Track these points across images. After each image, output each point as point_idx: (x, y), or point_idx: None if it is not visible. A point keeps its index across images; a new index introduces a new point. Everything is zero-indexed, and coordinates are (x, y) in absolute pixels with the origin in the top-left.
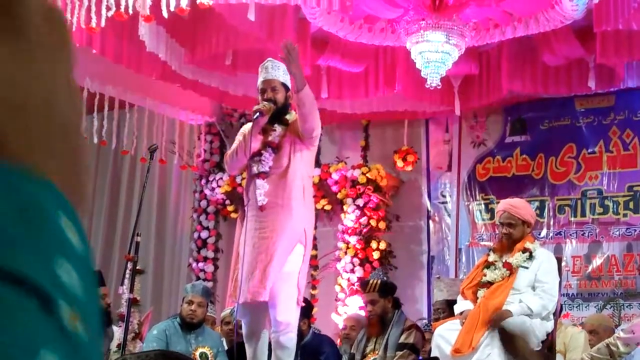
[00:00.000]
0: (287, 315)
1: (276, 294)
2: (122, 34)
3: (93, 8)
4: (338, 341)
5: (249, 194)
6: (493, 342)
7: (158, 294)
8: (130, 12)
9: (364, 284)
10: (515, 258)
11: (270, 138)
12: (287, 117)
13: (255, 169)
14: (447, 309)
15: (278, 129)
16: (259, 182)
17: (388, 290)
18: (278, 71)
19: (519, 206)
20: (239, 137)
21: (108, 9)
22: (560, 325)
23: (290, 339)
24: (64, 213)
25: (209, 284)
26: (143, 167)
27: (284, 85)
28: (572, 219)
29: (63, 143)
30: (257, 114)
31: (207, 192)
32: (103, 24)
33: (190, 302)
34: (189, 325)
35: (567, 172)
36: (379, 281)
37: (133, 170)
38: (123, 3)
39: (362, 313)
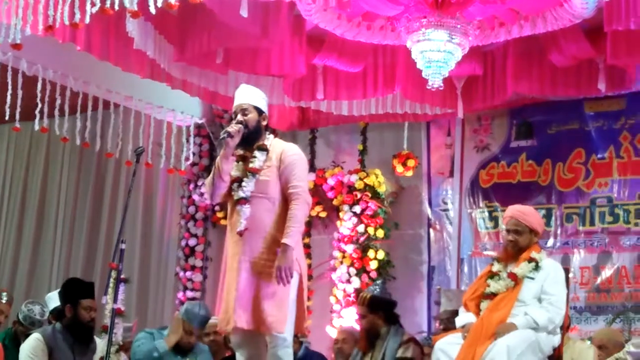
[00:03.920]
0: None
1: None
2: (108, 29)
3: (77, 3)
4: (332, 355)
5: (231, 221)
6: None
7: (143, 305)
8: (117, 7)
9: (357, 295)
10: (521, 268)
11: (251, 165)
12: (266, 142)
13: (235, 196)
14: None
15: (258, 155)
16: (238, 207)
17: (379, 305)
18: (250, 95)
19: (528, 213)
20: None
21: (93, 4)
22: (568, 339)
23: (288, 353)
24: None
25: (197, 294)
26: (128, 171)
27: (257, 108)
28: (581, 228)
29: None
30: (225, 134)
31: (195, 197)
32: (87, 20)
33: (190, 333)
34: (182, 349)
35: (575, 178)
36: (368, 296)
37: (118, 174)
38: None
39: (356, 325)
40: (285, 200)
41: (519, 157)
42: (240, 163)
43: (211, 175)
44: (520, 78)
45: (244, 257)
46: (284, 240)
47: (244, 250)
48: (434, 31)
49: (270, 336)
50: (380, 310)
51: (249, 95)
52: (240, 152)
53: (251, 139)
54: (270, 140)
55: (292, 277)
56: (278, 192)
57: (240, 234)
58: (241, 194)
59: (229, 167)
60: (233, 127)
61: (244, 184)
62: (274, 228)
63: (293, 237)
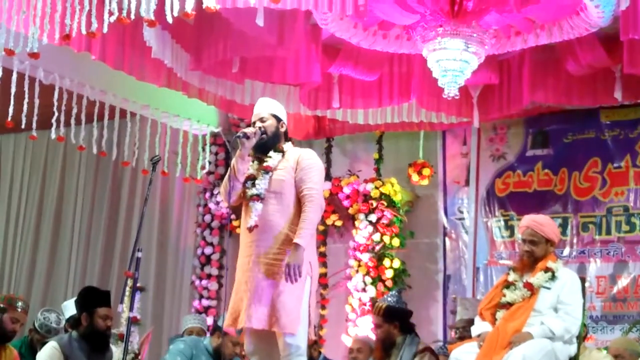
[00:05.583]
0: (297, 338)
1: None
2: (123, 39)
3: (94, 12)
4: None
5: (245, 222)
6: None
7: (159, 313)
8: (133, 17)
9: (373, 304)
10: (537, 278)
11: (265, 164)
12: (283, 146)
13: (249, 193)
14: None
15: (274, 155)
16: (251, 203)
17: (394, 315)
18: (267, 105)
19: (544, 223)
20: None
21: (110, 14)
22: (584, 349)
23: None
24: None
25: (213, 303)
26: (144, 179)
27: (274, 116)
28: (597, 237)
29: None
30: (241, 134)
31: (211, 205)
32: (105, 29)
33: (237, 344)
34: None
35: (591, 187)
36: (384, 305)
37: (134, 183)
38: (125, 7)
39: (372, 334)
40: (299, 202)
41: (534, 166)
42: (256, 162)
43: (227, 176)
44: (536, 87)
45: (257, 258)
46: (295, 240)
47: (257, 251)
48: (450, 40)
49: (283, 343)
50: (395, 320)
51: (267, 105)
52: (257, 155)
53: (270, 145)
54: (287, 146)
55: (301, 276)
56: (293, 193)
57: (250, 229)
58: (254, 191)
59: (245, 168)
60: (250, 129)
61: (257, 181)
62: (288, 229)
63: (305, 238)
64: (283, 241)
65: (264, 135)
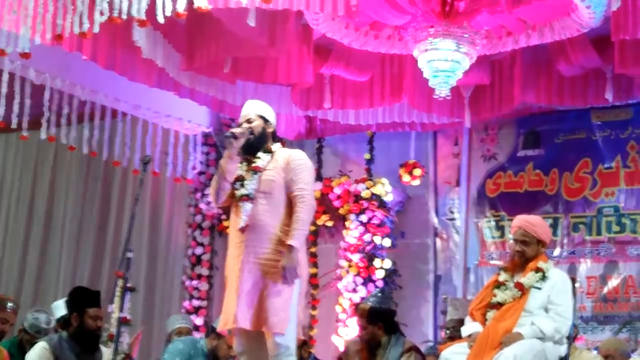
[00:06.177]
0: (286, 338)
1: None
2: (114, 39)
3: (85, 12)
4: None
5: (233, 222)
6: None
7: (150, 313)
8: (125, 17)
9: (356, 307)
10: (528, 278)
11: (254, 164)
12: (272, 147)
13: (238, 193)
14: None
15: (263, 156)
16: (240, 204)
17: (378, 316)
18: (254, 107)
19: (536, 224)
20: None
21: (101, 14)
22: (575, 349)
23: None
24: None
25: (203, 303)
26: (135, 179)
27: (261, 117)
28: (587, 237)
29: None
30: (229, 134)
31: (202, 206)
32: (97, 29)
33: (231, 347)
34: None
35: (582, 188)
36: (367, 307)
37: (125, 183)
38: (117, 7)
39: None
40: (290, 203)
41: (526, 166)
42: (245, 164)
43: (215, 176)
44: (528, 87)
45: (247, 257)
46: (289, 242)
47: (247, 251)
48: (441, 40)
49: (272, 343)
50: (379, 321)
51: (254, 107)
52: (245, 156)
53: (257, 146)
54: (276, 146)
55: (297, 277)
56: (282, 193)
57: (242, 230)
58: (244, 191)
59: (233, 168)
60: (238, 129)
61: (246, 182)
62: (278, 229)
63: (299, 239)
64: (273, 241)
65: (251, 136)
